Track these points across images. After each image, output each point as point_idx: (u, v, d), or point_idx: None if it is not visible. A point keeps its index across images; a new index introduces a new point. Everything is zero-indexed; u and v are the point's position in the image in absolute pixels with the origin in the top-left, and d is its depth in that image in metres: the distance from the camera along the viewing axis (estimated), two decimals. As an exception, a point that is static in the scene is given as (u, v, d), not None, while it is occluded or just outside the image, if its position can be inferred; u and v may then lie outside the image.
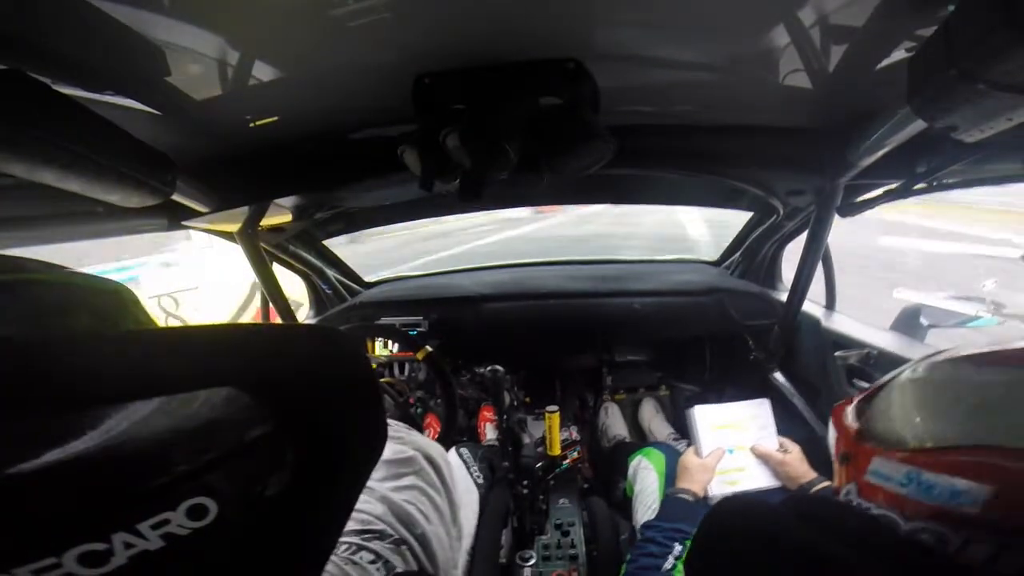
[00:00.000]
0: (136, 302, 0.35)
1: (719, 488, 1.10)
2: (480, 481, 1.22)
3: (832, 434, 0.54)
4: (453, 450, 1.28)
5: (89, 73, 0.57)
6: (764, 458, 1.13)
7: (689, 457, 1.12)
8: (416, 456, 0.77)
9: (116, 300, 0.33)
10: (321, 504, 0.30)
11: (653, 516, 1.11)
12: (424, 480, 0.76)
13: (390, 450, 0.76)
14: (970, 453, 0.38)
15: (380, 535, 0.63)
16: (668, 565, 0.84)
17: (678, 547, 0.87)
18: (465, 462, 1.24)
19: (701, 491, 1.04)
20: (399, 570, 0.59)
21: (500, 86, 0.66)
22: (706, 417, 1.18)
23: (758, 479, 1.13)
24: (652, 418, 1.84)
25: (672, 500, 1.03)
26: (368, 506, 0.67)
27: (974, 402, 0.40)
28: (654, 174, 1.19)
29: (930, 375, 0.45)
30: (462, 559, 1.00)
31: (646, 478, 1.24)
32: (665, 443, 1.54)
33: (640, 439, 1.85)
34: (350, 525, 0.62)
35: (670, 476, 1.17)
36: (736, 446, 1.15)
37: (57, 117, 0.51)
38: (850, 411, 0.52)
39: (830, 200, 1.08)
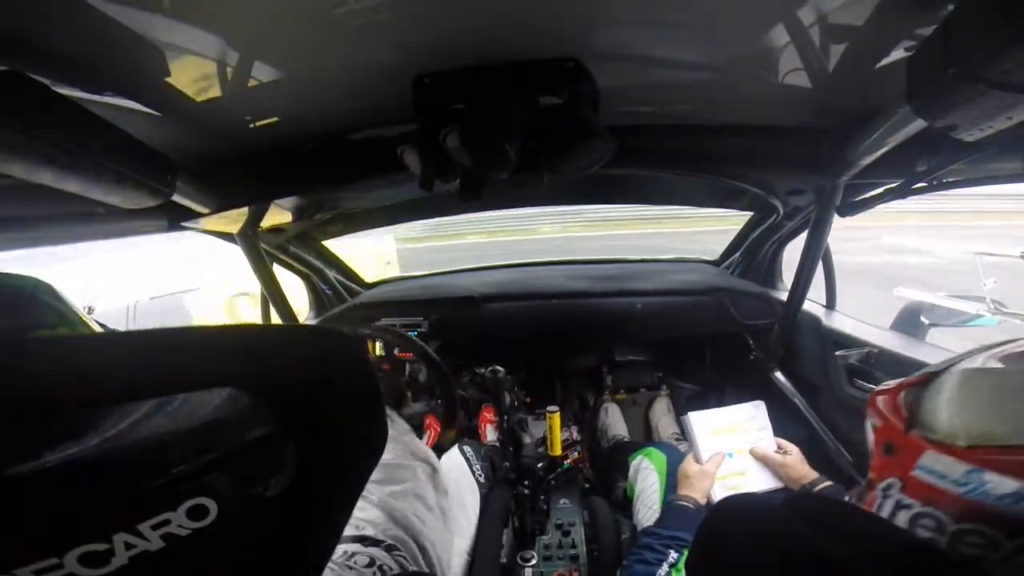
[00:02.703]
0: (56, 296, 0.35)
1: (721, 493, 1.09)
2: (482, 480, 1.22)
3: (872, 422, 0.50)
4: (456, 448, 1.28)
5: (89, 73, 0.57)
6: (764, 460, 1.13)
7: (689, 464, 1.12)
8: (412, 463, 0.78)
9: (29, 295, 0.34)
10: (322, 505, 0.30)
11: (655, 516, 1.11)
12: (420, 485, 0.77)
13: (388, 454, 0.77)
14: None
15: (375, 541, 0.63)
16: (662, 572, 0.84)
17: (674, 554, 0.86)
18: (468, 460, 1.24)
19: (703, 498, 1.03)
20: (395, 572, 0.59)
21: (500, 86, 0.66)
22: (702, 423, 1.18)
23: (759, 482, 1.12)
24: (662, 416, 1.84)
25: (672, 508, 1.02)
26: (364, 513, 0.67)
27: None
28: (654, 174, 1.19)
29: (1008, 365, 0.41)
30: (462, 559, 1.00)
31: (647, 478, 1.23)
32: (667, 443, 1.54)
33: (646, 436, 1.85)
34: (346, 531, 0.63)
35: (671, 476, 1.17)
36: (735, 450, 1.15)
37: (57, 117, 0.51)
38: (897, 398, 0.47)
39: (830, 199, 1.08)
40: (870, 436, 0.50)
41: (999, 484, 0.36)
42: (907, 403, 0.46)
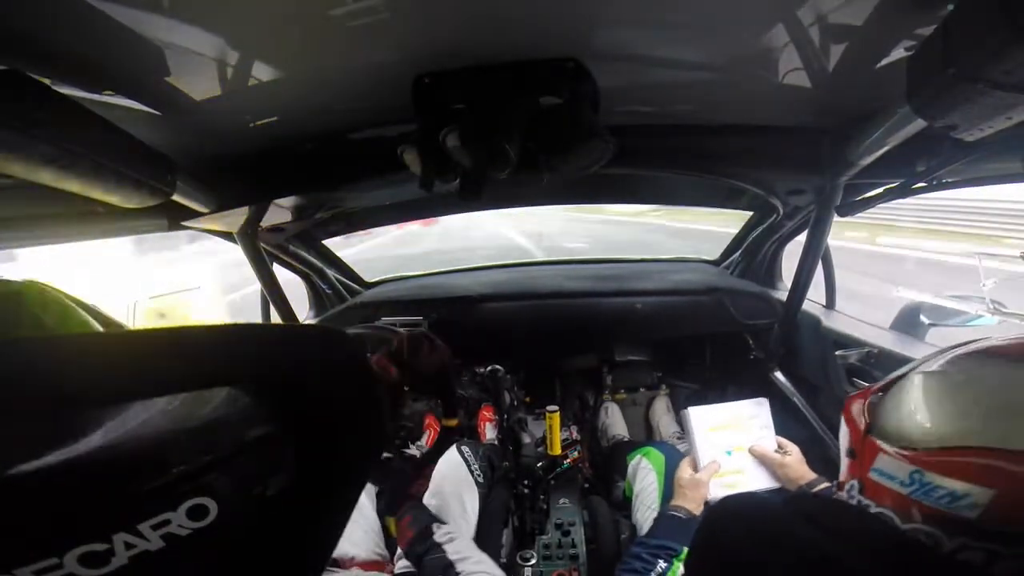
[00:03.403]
0: (44, 302, 0.33)
1: (717, 491, 1.08)
2: (480, 480, 1.22)
3: (843, 427, 0.53)
4: (454, 448, 1.28)
5: (89, 73, 0.57)
6: (762, 459, 1.12)
7: (684, 472, 1.10)
8: None
9: (10, 302, 0.32)
10: (321, 504, 0.30)
11: (654, 516, 1.11)
12: None
13: None
14: (974, 455, 0.37)
15: None
16: None
17: (662, 564, 0.86)
18: (466, 460, 1.24)
19: (696, 508, 1.02)
20: None
21: (500, 86, 0.66)
22: (702, 419, 1.16)
23: (757, 481, 1.11)
24: (662, 415, 1.84)
25: (663, 518, 1.01)
26: None
27: (986, 403, 0.39)
28: (654, 174, 1.19)
29: (942, 372, 0.43)
30: None
31: (645, 478, 1.23)
32: (665, 442, 1.54)
33: (646, 436, 1.85)
34: None
35: (670, 476, 1.16)
36: (734, 447, 1.14)
37: (57, 117, 0.51)
38: (862, 405, 0.50)
39: (830, 199, 1.08)
40: (842, 442, 0.52)
41: (937, 484, 0.38)
42: (868, 409, 0.49)
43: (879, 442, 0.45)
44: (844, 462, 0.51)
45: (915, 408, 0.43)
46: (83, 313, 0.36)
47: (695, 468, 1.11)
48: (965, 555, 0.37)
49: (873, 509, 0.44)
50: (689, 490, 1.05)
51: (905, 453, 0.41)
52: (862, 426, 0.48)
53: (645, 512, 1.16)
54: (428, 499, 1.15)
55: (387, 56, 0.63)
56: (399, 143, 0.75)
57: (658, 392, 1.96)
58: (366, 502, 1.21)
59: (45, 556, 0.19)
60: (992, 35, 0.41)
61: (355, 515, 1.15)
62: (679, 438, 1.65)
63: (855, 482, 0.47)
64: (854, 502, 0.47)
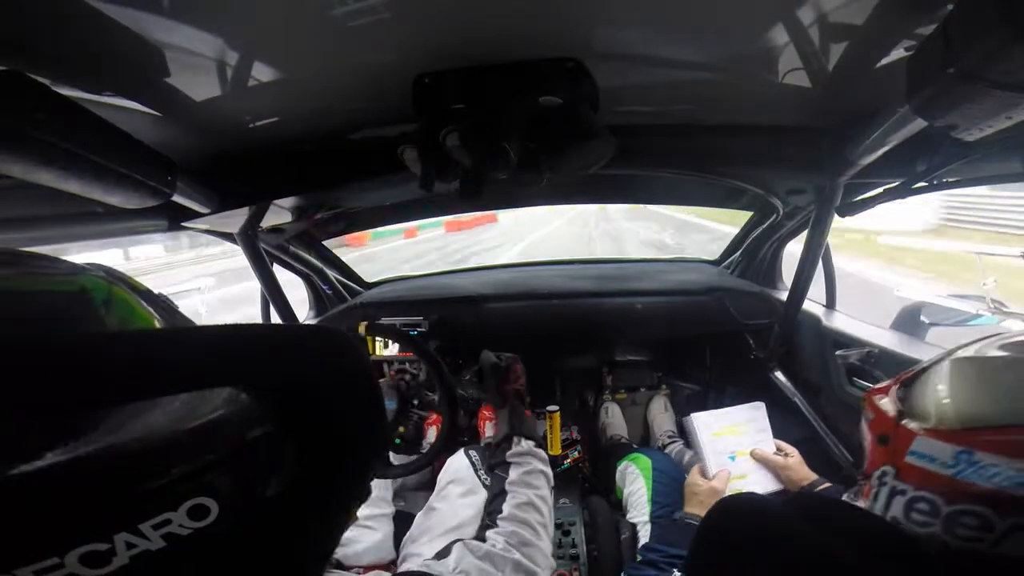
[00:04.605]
0: (110, 302, 0.30)
1: None
2: (488, 483, 1.22)
3: (867, 418, 0.52)
4: (461, 452, 1.28)
5: (89, 73, 0.57)
6: (765, 463, 1.13)
7: (696, 479, 1.10)
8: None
9: (75, 302, 0.29)
10: (322, 504, 0.30)
11: (644, 520, 1.11)
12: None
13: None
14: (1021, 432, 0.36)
15: None
16: None
17: (677, 573, 0.86)
18: (473, 464, 1.24)
19: None
20: None
21: (500, 86, 0.66)
22: (705, 425, 1.17)
23: (760, 484, 1.12)
24: (658, 414, 1.85)
25: (680, 525, 1.01)
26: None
27: None
28: (654, 174, 1.19)
29: (996, 353, 0.43)
30: None
31: (634, 482, 1.25)
32: (652, 448, 1.55)
33: (644, 435, 1.86)
34: None
35: (657, 480, 1.18)
36: (736, 452, 1.15)
37: (57, 117, 0.51)
38: (890, 393, 0.51)
39: (830, 199, 1.08)
40: (864, 431, 0.52)
41: (987, 463, 0.38)
42: (898, 396, 0.49)
43: (916, 426, 0.44)
44: (870, 451, 0.51)
45: (960, 389, 0.43)
46: (149, 312, 0.32)
47: (703, 474, 1.12)
48: (1017, 537, 0.36)
49: (911, 493, 0.43)
50: (707, 498, 1.05)
51: (948, 433, 0.41)
52: (893, 413, 0.48)
53: (634, 513, 1.18)
54: (433, 502, 1.15)
55: (387, 56, 0.63)
56: (399, 143, 0.75)
57: (656, 392, 1.96)
58: (380, 499, 1.21)
59: (46, 556, 0.19)
60: (992, 35, 0.41)
61: (361, 515, 1.15)
62: (670, 438, 1.66)
63: (889, 468, 0.46)
64: (887, 489, 0.46)
